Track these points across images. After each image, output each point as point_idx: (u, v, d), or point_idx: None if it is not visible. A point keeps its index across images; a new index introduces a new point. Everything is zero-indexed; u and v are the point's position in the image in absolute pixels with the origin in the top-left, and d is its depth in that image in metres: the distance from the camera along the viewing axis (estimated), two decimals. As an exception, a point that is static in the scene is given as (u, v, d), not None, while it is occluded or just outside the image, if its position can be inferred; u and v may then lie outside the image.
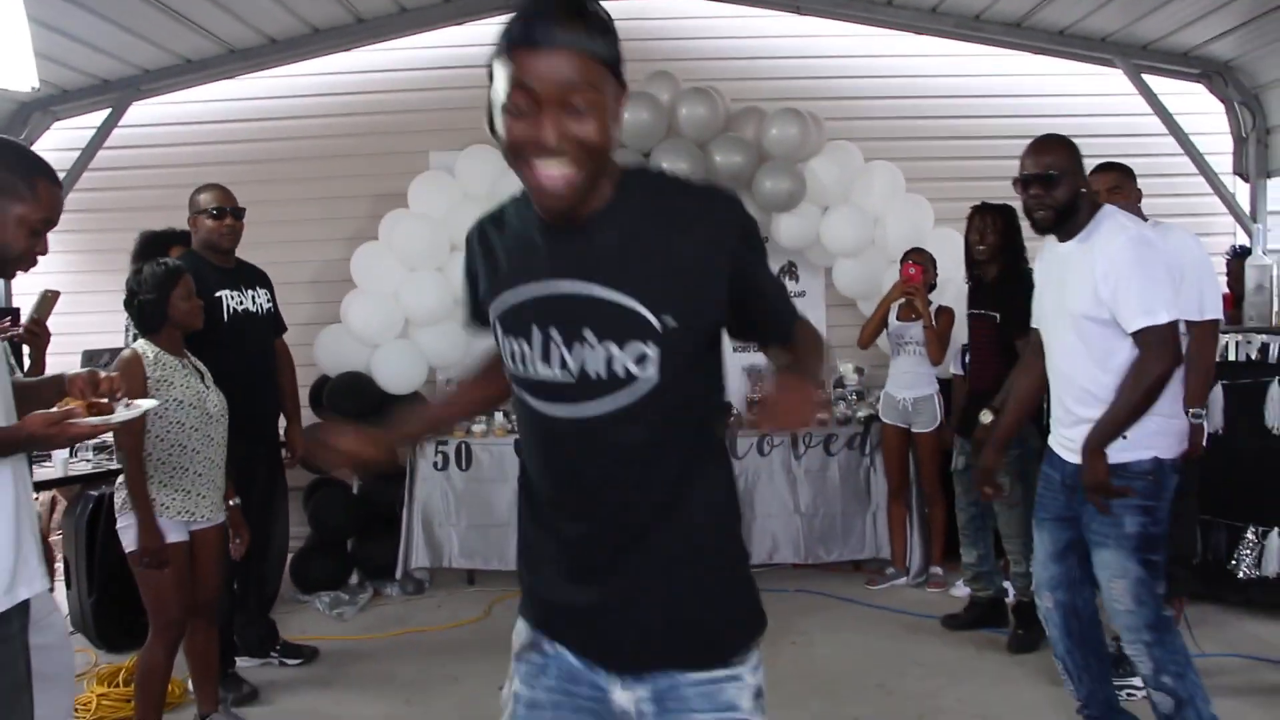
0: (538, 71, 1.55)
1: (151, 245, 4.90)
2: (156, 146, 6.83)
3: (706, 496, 1.80)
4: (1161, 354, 3.20)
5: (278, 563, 4.99)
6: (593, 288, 1.66)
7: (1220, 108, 6.86)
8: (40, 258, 2.42)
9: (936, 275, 5.86)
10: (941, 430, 5.79)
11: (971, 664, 4.80)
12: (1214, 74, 6.72)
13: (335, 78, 6.91)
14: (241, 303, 4.63)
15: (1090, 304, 3.34)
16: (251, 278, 4.78)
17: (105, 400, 2.38)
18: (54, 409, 2.30)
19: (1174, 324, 3.22)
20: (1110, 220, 3.37)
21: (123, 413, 2.42)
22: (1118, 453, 3.32)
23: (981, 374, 4.99)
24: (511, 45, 1.58)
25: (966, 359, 5.56)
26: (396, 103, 6.89)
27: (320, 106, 6.91)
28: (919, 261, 5.74)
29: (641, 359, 1.66)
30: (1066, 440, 3.46)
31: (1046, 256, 3.62)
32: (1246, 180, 6.81)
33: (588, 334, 1.67)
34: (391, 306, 6.08)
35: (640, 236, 1.68)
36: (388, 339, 6.10)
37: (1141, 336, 3.22)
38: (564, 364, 1.69)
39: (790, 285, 6.89)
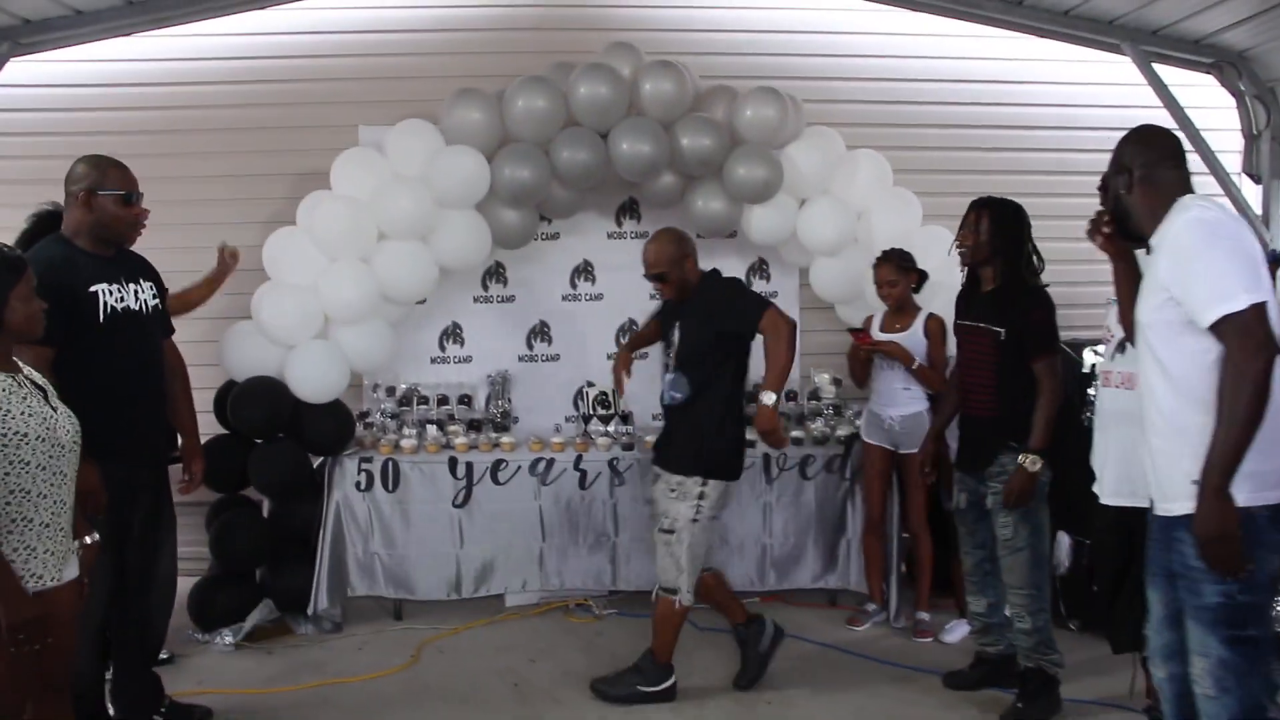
0: None
1: (50, 227, 4.11)
2: (38, 111, 5.94)
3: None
4: (1250, 345, 2.59)
5: (164, 604, 4.17)
6: None
7: (1231, 102, 6.29)
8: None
9: (920, 278, 5.22)
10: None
11: (979, 734, 4.16)
12: (1226, 65, 6.15)
13: (251, 39, 6.06)
14: (122, 299, 3.83)
15: (1154, 306, 2.82)
16: (134, 268, 3.98)
17: None
18: None
19: (1259, 307, 2.61)
20: (1177, 208, 2.85)
21: None
22: (1187, 500, 2.72)
23: (979, 398, 4.33)
24: None
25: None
26: (321, 69, 6.08)
27: (233, 71, 6.07)
28: (888, 263, 5.17)
29: None
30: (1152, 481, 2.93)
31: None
32: (1257, 181, 6.25)
33: None
34: (309, 301, 5.27)
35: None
36: (304, 338, 5.29)
37: (1221, 329, 2.63)
38: None
39: (760, 285, 6.28)
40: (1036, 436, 4.09)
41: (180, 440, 4.22)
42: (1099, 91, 6.27)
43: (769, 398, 4.18)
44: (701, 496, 4.29)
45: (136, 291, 3.91)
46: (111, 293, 3.79)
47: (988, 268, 4.31)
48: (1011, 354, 4.17)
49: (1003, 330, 4.19)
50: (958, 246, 4.38)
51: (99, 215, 3.78)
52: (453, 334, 6.16)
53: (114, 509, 3.57)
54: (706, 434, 4.32)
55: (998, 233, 4.25)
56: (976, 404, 4.33)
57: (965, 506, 4.46)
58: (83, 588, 3.13)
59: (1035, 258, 4.27)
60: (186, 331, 5.55)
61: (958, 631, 5.17)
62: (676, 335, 4.43)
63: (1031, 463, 4.08)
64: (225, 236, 5.94)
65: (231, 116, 6.05)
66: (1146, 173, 2.93)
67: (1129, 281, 3.17)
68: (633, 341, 4.93)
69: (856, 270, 5.66)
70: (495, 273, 6.13)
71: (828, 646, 5.09)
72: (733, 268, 6.21)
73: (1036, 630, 4.25)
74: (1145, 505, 3.07)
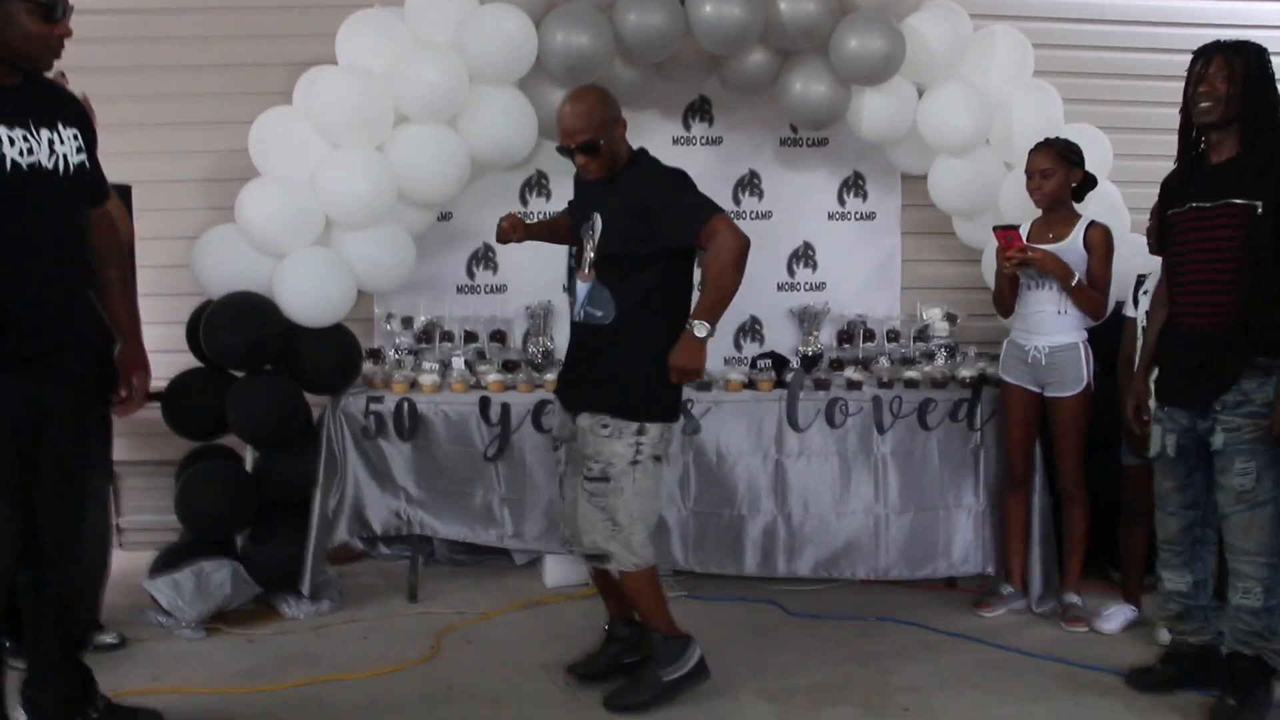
0: None
1: None
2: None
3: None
4: None
5: (93, 569, 3.06)
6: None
7: None
8: None
9: (1086, 181, 4.13)
10: (1089, 395, 4.09)
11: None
12: None
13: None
14: (30, 150, 2.71)
15: None
16: (49, 107, 2.83)
17: None
18: None
19: None
20: None
21: None
22: None
23: (1209, 303, 3.23)
24: None
25: (1144, 291, 3.92)
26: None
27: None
28: (1048, 149, 4.06)
29: None
30: None
31: None
32: None
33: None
34: (305, 198, 4.20)
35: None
36: (299, 245, 4.22)
37: None
38: None
39: (855, 204, 5.18)
40: None
41: (118, 344, 3.12)
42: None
43: (701, 329, 3.14)
44: (640, 432, 3.25)
45: (52, 142, 2.76)
46: (13, 141, 2.66)
47: (1223, 131, 3.25)
48: (1269, 235, 3.10)
49: (1260, 203, 3.11)
50: (1202, 100, 3.24)
51: (2, 30, 2.68)
52: (484, 258, 5.08)
53: (13, 440, 2.60)
54: (639, 373, 3.25)
55: (1255, 82, 3.20)
56: (1203, 311, 3.23)
57: (1175, 453, 3.35)
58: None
59: None
60: (158, 252, 4.58)
61: (1118, 618, 4.10)
62: (596, 230, 3.29)
63: None
64: (211, 136, 4.97)
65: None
66: None
67: None
68: (531, 228, 3.63)
69: (989, 174, 4.57)
70: (536, 185, 5.06)
71: (960, 636, 4.00)
72: (822, 182, 5.17)
73: (1267, 610, 3.22)
74: None
